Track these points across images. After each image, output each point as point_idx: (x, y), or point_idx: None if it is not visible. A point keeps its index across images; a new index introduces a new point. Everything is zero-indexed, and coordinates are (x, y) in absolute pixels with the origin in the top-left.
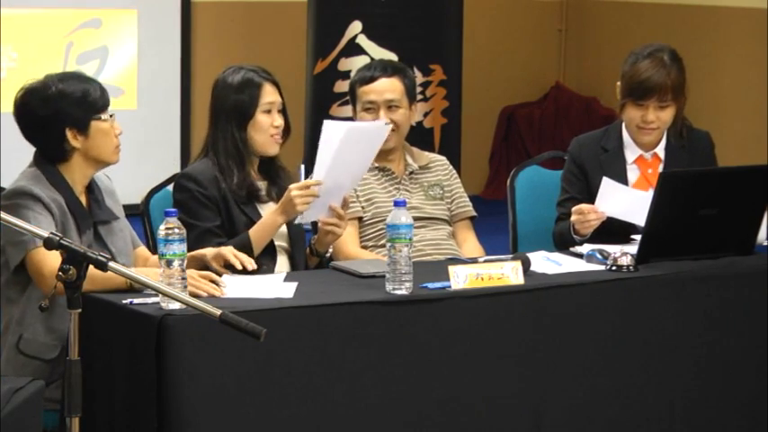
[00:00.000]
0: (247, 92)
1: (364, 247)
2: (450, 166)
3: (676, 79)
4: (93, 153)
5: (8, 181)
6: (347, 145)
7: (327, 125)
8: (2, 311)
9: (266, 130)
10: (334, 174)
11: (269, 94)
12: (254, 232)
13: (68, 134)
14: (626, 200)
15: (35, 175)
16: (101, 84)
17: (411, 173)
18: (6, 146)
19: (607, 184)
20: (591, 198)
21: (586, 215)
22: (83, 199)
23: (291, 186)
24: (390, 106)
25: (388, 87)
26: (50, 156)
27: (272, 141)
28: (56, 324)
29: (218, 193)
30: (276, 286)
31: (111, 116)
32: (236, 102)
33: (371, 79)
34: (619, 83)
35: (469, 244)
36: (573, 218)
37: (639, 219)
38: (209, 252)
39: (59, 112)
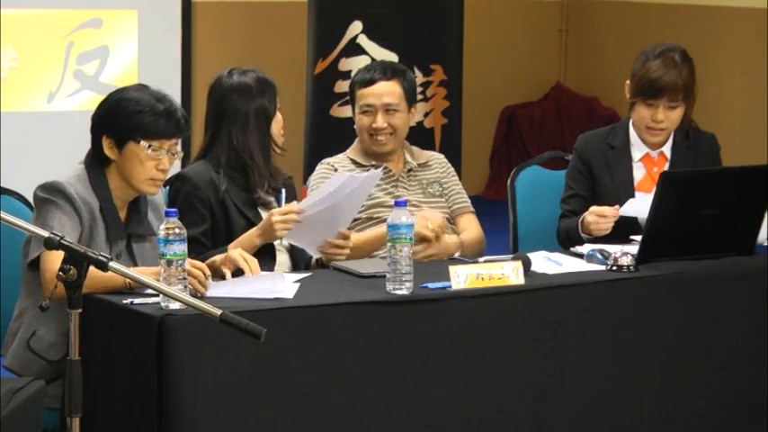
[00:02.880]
0: (269, 93)
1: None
2: (448, 164)
3: (687, 79)
4: (125, 172)
5: (7, 181)
6: (342, 189)
7: (335, 176)
8: (18, 299)
9: (281, 125)
10: (323, 212)
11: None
12: (232, 248)
13: (104, 141)
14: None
15: (79, 173)
16: (178, 116)
17: (409, 170)
18: (6, 146)
19: (633, 200)
20: (595, 195)
21: (604, 219)
22: (124, 209)
23: (273, 211)
24: (388, 110)
25: (386, 91)
26: (95, 156)
27: (281, 136)
28: (66, 326)
29: (215, 195)
30: (278, 286)
31: (161, 150)
32: (261, 104)
33: (370, 82)
34: (628, 81)
35: (469, 231)
36: (590, 218)
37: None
38: (218, 258)
39: (105, 116)
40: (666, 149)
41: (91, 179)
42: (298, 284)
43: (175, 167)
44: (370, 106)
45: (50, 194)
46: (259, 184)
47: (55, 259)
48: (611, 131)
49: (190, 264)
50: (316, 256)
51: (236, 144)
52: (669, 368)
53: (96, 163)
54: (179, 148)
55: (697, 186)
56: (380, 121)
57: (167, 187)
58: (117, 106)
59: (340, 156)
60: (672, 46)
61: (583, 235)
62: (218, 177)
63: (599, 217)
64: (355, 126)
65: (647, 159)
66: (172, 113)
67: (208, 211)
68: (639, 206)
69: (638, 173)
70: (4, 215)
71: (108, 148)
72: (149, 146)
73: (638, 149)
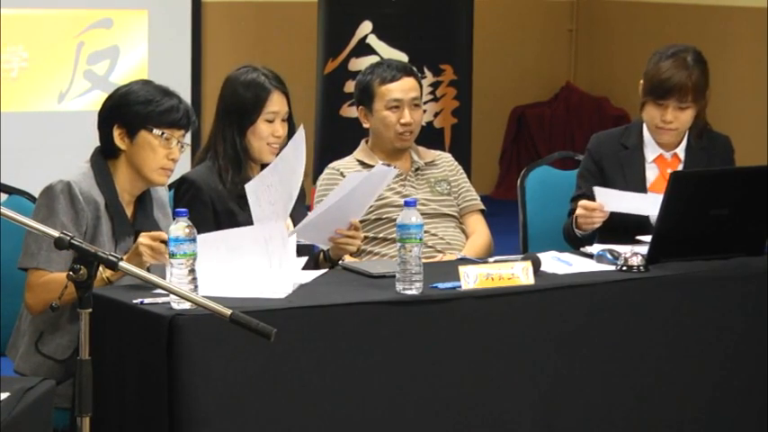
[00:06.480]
0: (252, 92)
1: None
2: (456, 162)
3: (697, 81)
4: (136, 162)
5: (17, 180)
6: (356, 191)
7: (350, 177)
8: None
9: (265, 138)
10: (330, 212)
11: (275, 104)
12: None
13: (115, 132)
14: (625, 199)
15: (85, 171)
16: (186, 109)
17: (417, 169)
18: (17, 145)
19: (599, 193)
20: None
21: (591, 212)
22: (131, 205)
23: (143, 234)
24: (414, 105)
25: (411, 86)
26: (103, 149)
27: (268, 150)
28: (72, 325)
29: (217, 196)
30: (273, 285)
31: (173, 139)
32: (240, 99)
33: (394, 78)
34: (642, 81)
35: (476, 235)
36: (578, 212)
37: (646, 210)
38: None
39: (116, 107)
40: (680, 151)
41: (96, 177)
42: (294, 283)
43: (183, 167)
44: (398, 101)
45: (54, 193)
46: (231, 185)
47: (42, 285)
48: (624, 132)
49: (149, 237)
50: (326, 247)
51: (216, 143)
52: (678, 368)
53: (103, 159)
54: (187, 140)
55: (707, 186)
56: (408, 116)
57: (171, 190)
58: (127, 97)
59: (347, 158)
60: (686, 47)
61: (576, 231)
62: (218, 177)
63: (586, 210)
64: (368, 125)
65: (661, 160)
66: (180, 105)
67: (211, 213)
68: (631, 204)
69: (651, 173)
70: (4, 210)
71: (119, 138)
72: (162, 133)
73: (651, 150)
